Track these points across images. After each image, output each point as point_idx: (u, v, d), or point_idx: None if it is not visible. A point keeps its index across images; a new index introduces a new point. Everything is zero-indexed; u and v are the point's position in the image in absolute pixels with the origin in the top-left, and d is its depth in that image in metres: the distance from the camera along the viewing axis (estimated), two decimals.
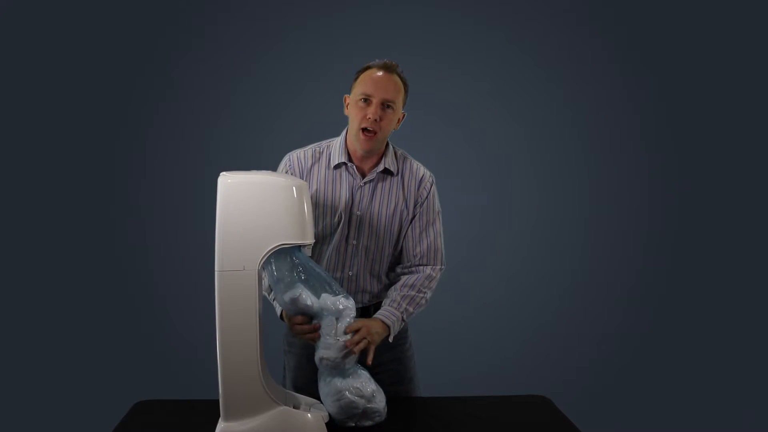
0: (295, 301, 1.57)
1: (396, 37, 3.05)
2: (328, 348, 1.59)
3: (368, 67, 1.77)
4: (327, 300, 1.58)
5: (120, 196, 3.06)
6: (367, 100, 1.73)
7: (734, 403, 3.02)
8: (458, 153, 3.16)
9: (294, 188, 1.48)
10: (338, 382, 1.58)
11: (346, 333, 1.59)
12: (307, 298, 1.57)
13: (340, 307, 1.59)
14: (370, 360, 1.63)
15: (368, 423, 1.62)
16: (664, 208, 3.21)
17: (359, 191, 1.81)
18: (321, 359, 1.60)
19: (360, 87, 1.75)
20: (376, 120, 1.72)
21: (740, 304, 3.15)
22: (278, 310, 1.76)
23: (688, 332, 3.17)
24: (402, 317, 1.78)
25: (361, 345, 1.60)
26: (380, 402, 1.62)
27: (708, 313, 3.16)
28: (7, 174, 2.97)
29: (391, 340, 1.76)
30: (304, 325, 1.61)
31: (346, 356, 1.59)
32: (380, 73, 1.74)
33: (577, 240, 3.22)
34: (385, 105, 1.73)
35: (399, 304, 1.79)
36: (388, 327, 1.73)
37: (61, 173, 3.01)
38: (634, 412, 3.04)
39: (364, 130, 1.74)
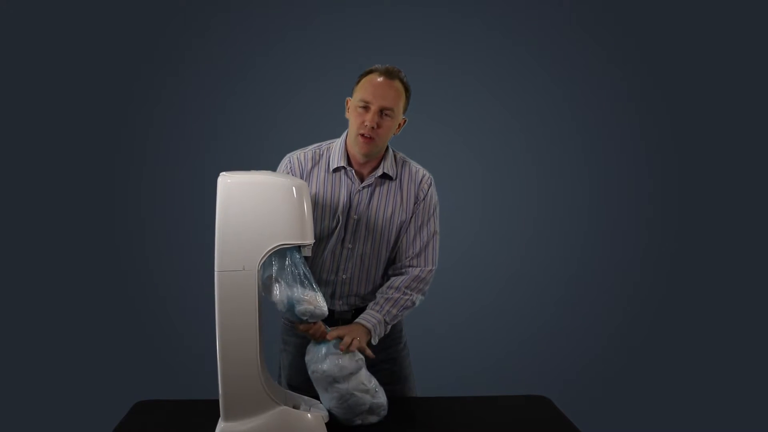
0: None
1: (396, 38, 3.04)
2: (318, 362, 1.60)
3: (370, 72, 1.75)
4: (301, 298, 1.51)
5: (120, 196, 3.06)
6: (366, 106, 1.72)
7: (734, 403, 3.02)
8: (458, 153, 3.16)
9: (294, 188, 1.48)
10: (343, 384, 1.58)
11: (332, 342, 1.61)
12: (280, 294, 1.52)
13: (314, 309, 1.52)
14: (369, 353, 1.65)
15: (374, 419, 1.63)
16: (664, 209, 3.21)
17: (357, 195, 1.80)
18: (313, 372, 1.61)
19: (360, 92, 1.74)
20: (373, 127, 1.71)
21: (740, 305, 3.15)
22: None
23: (688, 332, 3.17)
24: (384, 319, 1.75)
25: (353, 345, 1.61)
26: (382, 397, 1.64)
27: (708, 313, 3.16)
28: (8, 174, 2.97)
29: (374, 342, 1.73)
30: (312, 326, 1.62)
31: (341, 370, 1.58)
32: (381, 79, 1.73)
33: (577, 240, 3.22)
34: (383, 112, 1.72)
35: (381, 306, 1.77)
36: (369, 330, 1.72)
37: (61, 174, 3.01)
38: (634, 412, 3.03)
39: (362, 135, 1.73)
